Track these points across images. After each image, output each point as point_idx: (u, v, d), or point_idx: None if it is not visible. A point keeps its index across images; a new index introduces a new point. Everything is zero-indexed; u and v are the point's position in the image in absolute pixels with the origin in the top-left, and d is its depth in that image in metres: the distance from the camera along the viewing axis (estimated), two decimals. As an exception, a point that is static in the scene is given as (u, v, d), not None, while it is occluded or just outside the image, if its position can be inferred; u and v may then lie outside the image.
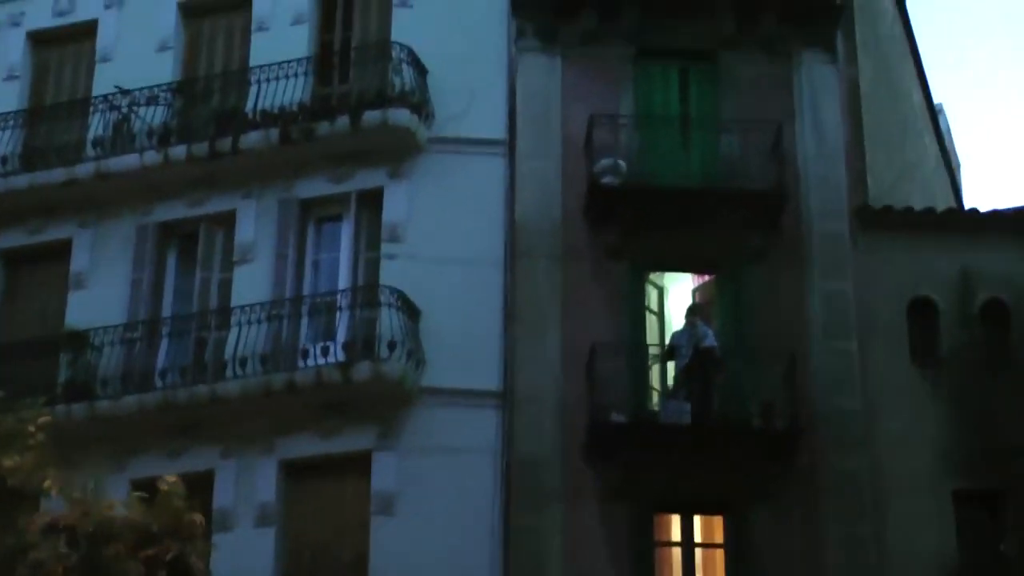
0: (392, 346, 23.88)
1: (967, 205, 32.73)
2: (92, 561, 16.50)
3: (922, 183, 30.78)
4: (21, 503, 17.50)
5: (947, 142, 35.42)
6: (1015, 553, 23.11)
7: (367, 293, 25.00)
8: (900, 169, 28.78)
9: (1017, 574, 23.05)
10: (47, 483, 17.09)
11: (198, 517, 17.76)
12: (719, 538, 23.84)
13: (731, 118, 25.78)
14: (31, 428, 17.63)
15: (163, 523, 17.08)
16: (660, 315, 25.47)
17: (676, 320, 25.12)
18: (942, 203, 30.42)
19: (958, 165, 37.14)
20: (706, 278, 25.47)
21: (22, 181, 27.24)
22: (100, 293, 26.34)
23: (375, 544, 23.16)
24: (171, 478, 18.20)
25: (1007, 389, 24.29)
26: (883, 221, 25.55)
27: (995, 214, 25.85)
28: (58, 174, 27.08)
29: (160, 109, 27.19)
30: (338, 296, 25.33)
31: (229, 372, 24.52)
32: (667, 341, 24.82)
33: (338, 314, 24.99)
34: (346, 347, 24.33)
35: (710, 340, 23.83)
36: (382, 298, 24.41)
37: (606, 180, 24.94)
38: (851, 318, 24.69)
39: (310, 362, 24.55)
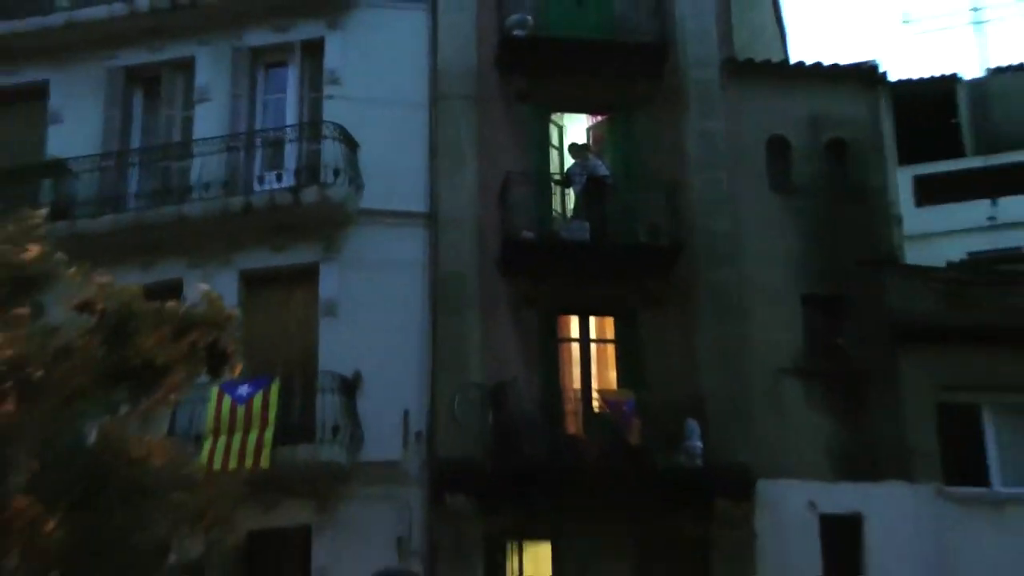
0: (335, 173, 23.55)
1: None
2: (124, 343, 15.85)
3: (767, 41, 30.47)
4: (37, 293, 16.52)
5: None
6: (848, 345, 23.54)
7: (312, 128, 24.68)
8: (752, 28, 28.47)
9: (849, 362, 23.44)
10: (72, 270, 16.04)
11: (234, 310, 17.32)
12: (610, 335, 23.99)
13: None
14: (35, 221, 16.63)
15: (202, 314, 16.52)
16: (560, 150, 25.19)
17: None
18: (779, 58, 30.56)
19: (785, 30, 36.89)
20: (599, 118, 25.31)
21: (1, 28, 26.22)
22: (76, 128, 25.48)
23: (322, 341, 23.11)
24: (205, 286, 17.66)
25: (846, 211, 24.59)
26: (746, 71, 25.62)
27: (836, 67, 25.84)
28: (33, 22, 26.09)
29: (123, -35, 26.22)
30: (287, 130, 25.02)
31: (193, 196, 23.99)
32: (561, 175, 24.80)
33: (287, 146, 24.74)
34: (295, 174, 24.13)
35: (602, 170, 24.05)
36: (325, 132, 23.99)
37: (515, 33, 24.58)
38: (721, 153, 24.73)
39: (264, 187, 24.26)
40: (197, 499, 16.35)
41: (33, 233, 16.30)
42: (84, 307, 15.83)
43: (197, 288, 17.40)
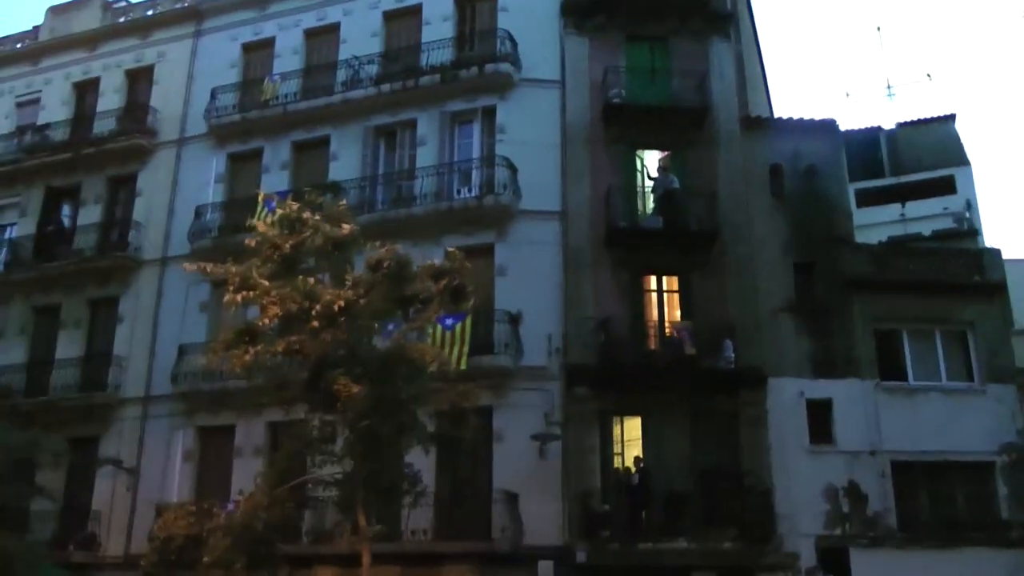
0: (504, 187, 21.15)
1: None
2: (402, 284, 15.50)
3: (756, 87, 27.10)
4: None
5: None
6: (820, 294, 20.71)
7: (489, 160, 21.86)
8: (748, 79, 24.83)
9: (821, 303, 20.55)
10: (371, 244, 16.12)
11: (468, 265, 16.27)
12: (676, 287, 21.08)
13: (678, 69, 22.29)
14: (341, 206, 16.90)
15: (449, 266, 16.02)
16: (642, 172, 22.03)
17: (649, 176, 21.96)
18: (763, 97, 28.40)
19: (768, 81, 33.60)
20: (665, 153, 21.87)
21: (301, 105, 23.74)
22: (346, 162, 22.95)
23: (497, 291, 20.70)
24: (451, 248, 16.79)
25: (817, 210, 21.45)
26: (755, 124, 22.60)
27: (812, 120, 22.55)
28: (321, 100, 23.62)
29: (375, 66, 23.58)
30: (474, 161, 22.14)
31: (417, 202, 21.64)
32: (647, 187, 21.74)
33: (474, 171, 21.91)
34: (479, 188, 21.50)
35: (675, 184, 21.09)
36: (497, 162, 21.51)
37: (614, 101, 21.76)
38: (740, 174, 21.58)
39: (460, 196, 21.63)
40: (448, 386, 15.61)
41: (344, 216, 16.26)
42: (376, 264, 15.49)
43: (447, 250, 16.70)
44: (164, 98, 25.75)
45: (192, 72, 25.78)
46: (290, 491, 15.11)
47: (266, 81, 24.41)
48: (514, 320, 20.10)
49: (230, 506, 17.44)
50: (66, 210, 25.87)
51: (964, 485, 19.56)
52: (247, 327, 15.08)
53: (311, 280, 15.05)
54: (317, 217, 15.69)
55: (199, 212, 23.63)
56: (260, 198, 19.23)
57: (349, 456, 14.82)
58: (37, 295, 24.70)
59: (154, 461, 21.86)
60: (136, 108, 25.96)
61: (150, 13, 27.22)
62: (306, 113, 23.67)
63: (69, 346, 23.80)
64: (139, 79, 26.57)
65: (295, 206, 15.95)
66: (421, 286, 15.46)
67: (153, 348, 23.04)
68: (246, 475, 19.90)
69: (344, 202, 17.38)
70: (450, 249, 16.20)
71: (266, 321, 14.85)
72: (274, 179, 23.22)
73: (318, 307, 14.36)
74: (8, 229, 26.14)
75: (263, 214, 19.93)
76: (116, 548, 21.32)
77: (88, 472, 22.27)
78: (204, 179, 24.28)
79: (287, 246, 15.36)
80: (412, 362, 14.86)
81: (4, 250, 25.64)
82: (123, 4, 28.32)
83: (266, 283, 14.88)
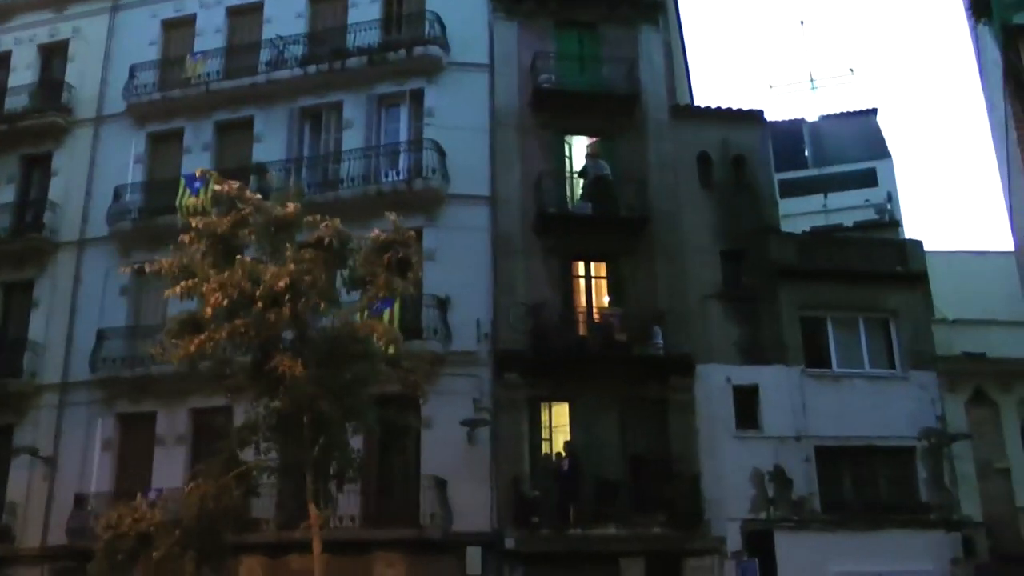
0: (433, 171, 20.76)
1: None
2: (344, 261, 15.11)
3: (680, 78, 27.09)
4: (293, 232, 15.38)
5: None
6: (747, 281, 20.77)
7: (417, 143, 21.43)
8: (680, 83, 25.21)
9: (748, 291, 20.61)
10: (314, 217, 15.22)
11: (412, 234, 15.75)
12: (604, 274, 21.03)
13: (607, 56, 22.15)
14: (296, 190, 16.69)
15: (393, 237, 15.25)
16: (571, 159, 21.92)
17: (578, 162, 21.82)
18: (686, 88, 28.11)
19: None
20: (595, 139, 21.82)
21: (224, 85, 23.02)
22: (270, 144, 22.31)
23: (426, 276, 19.64)
24: (393, 216, 15.92)
25: (744, 199, 21.58)
26: (684, 112, 22.72)
27: (739, 110, 22.64)
28: (245, 80, 22.89)
29: (300, 46, 22.95)
30: (401, 144, 21.73)
31: (344, 185, 21.10)
32: (576, 172, 21.64)
33: (402, 155, 21.50)
34: (408, 171, 21.06)
35: (605, 170, 20.93)
36: (425, 146, 21.08)
37: (543, 86, 21.49)
38: (669, 162, 21.59)
39: (388, 180, 21.11)
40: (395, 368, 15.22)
41: (291, 197, 15.66)
42: (317, 241, 14.76)
43: (387, 217, 15.79)
44: (80, 75, 24.60)
45: (109, 49, 24.71)
46: (236, 479, 14.47)
47: (188, 59, 23.55)
48: (443, 305, 19.74)
49: (152, 495, 16.83)
50: (-25, 191, 24.67)
51: (886, 469, 19.83)
52: (191, 316, 14.40)
53: (251, 260, 14.39)
54: (258, 196, 15.12)
55: (118, 193, 22.67)
56: (199, 173, 18.11)
57: (294, 441, 14.31)
58: (-54, 280, 23.47)
59: (72, 450, 20.93)
60: (50, 85, 24.74)
61: (64, -14, 26.05)
62: (229, 93, 22.93)
63: (-20, 333, 22.71)
64: (53, 55, 25.36)
65: (234, 184, 15.22)
66: (367, 267, 14.87)
67: (71, 333, 22.04)
68: (168, 464, 19.57)
69: (289, 181, 16.88)
70: (392, 217, 15.55)
71: (209, 311, 14.13)
72: (196, 160, 22.31)
73: (260, 288, 13.74)
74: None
75: (186, 195, 19.35)
76: (32, 540, 20.39)
77: (2, 463, 21.31)
78: (123, 159, 23.30)
79: (225, 224, 14.64)
80: (361, 342, 14.37)
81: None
82: (36, -24, 27.03)
83: (209, 271, 14.27)
